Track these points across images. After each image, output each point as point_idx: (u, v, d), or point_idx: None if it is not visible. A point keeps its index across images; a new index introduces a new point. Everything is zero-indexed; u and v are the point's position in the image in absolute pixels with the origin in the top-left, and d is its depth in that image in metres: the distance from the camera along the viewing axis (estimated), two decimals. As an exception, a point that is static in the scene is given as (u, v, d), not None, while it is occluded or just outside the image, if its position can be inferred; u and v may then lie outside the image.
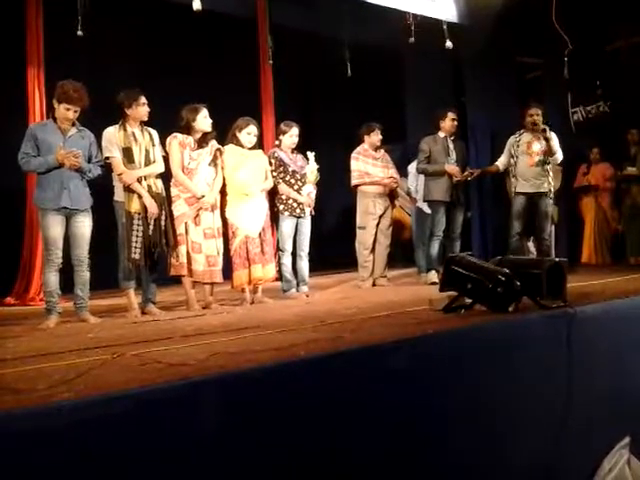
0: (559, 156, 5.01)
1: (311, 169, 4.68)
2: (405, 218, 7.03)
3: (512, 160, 5.12)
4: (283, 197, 4.64)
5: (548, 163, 4.99)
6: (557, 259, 3.19)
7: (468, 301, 2.93)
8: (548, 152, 4.95)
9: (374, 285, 5.23)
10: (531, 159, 5.02)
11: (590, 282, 4.01)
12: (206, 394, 1.67)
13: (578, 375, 2.74)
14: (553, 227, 5.87)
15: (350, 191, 5.41)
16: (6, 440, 1.40)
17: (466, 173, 5.23)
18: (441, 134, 5.33)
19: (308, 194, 4.68)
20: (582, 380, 2.74)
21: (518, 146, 5.09)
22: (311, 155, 4.69)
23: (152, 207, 3.85)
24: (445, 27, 6.16)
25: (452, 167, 5.21)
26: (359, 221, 5.28)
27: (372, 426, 2.01)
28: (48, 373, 1.92)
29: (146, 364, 1.98)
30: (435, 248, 5.25)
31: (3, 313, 4.70)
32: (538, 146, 4.99)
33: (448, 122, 5.31)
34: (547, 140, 4.92)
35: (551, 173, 5.03)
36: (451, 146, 5.31)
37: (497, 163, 5.31)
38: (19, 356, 2.37)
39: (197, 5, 4.63)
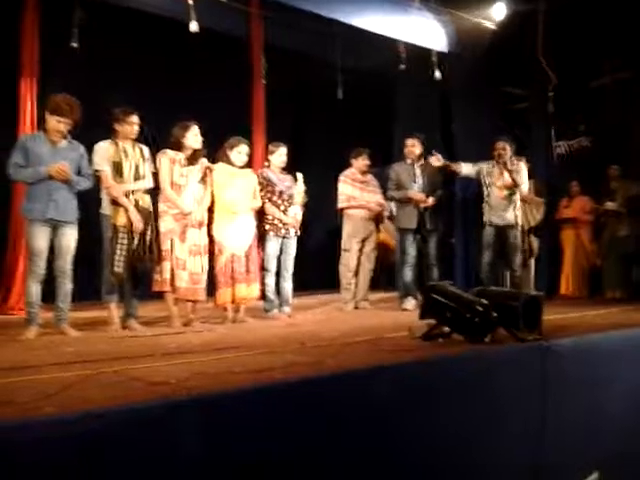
0: (524, 188, 5.15)
1: (298, 190, 4.74)
2: (390, 242, 7.11)
3: (484, 190, 5.28)
4: (269, 217, 4.68)
5: (513, 194, 5.12)
6: (533, 292, 3.26)
7: (447, 330, 2.99)
8: (513, 185, 5.09)
9: (356, 308, 5.28)
10: (500, 192, 5.16)
11: (566, 315, 4.10)
12: (185, 415, 1.70)
13: (551, 407, 2.80)
14: (533, 259, 6.00)
15: (337, 213, 5.49)
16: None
17: (430, 199, 5.16)
18: (408, 160, 5.33)
19: (294, 215, 4.73)
20: (555, 411, 2.80)
21: (490, 177, 5.24)
22: (300, 176, 4.76)
23: (137, 222, 3.87)
24: (434, 58, 6.29)
25: (415, 193, 5.19)
26: (344, 244, 5.34)
27: (347, 452, 2.04)
28: (28, 386, 1.93)
29: (127, 381, 2.00)
30: (407, 275, 5.27)
31: (-19, 321, 4.65)
32: (502, 180, 5.14)
33: (407, 149, 5.32)
34: (509, 172, 5.07)
35: (518, 205, 5.16)
36: (417, 172, 5.26)
37: (462, 165, 5.40)
38: (-2, 367, 2.37)
39: (194, 27, 4.72)
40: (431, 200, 5.19)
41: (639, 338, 3.41)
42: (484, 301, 2.91)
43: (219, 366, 2.32)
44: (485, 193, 5.27)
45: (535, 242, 6.00)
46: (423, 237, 5.26)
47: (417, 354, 2.59)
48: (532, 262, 5.99)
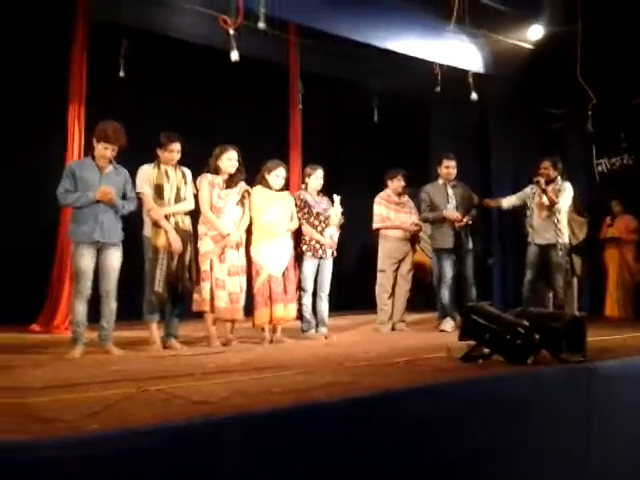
0: (560, 205, 5.06)
1: (335, 212, 4.78)
2: (427, 262, 7.06)
3: (528, 212, 5.23)
4: (306, 238, 4.73)
5: (552, 214, 5.05)
6: (576, 314, 3.19)
7: (486, 351, 2.95)
8: (550, 204, 5.02)
9: (393, 329, 5.25)
10: (540, 212, 5.12)
11: (611, 336, 3.98)
12: (227, 433, 1.72)
13: (597, 430, 2.72)
14: (576, 279, 5.86)
15: (372, 234, 5.50)
16: (34, 468, 1.46)
17: (466, 218, 5.18)
18: (440, 181, 5.38)
19: (331, 236, 4.77)
20: (601, 435, 2.72)
21: (533, 198, 5.20)
22: (337, 198, 4.81)
23: (176, 243, 3.97)
24: (471, 79, 6.29)
25: (450, 213, 5.21)
26: (380, 264, 5.34)
27: (387, 472, 2.03)
28: (75, 404, 2.00)
29: (169, 400, 2.04)
30: (445, 295, 5.24)
31: (28, 340, 4.81)
32: (545, 199, 5.07)
33: (443, 169, 5.35)
34: (544, 192, 5.02)
35: (561, 224, 5.07)
36: (450, 192, 5.30)
37: (503, 200, 5.42)
38: (46, 385, 2.45)
39: (235, 57, 4.86)
40: (466, 219, 5.19)
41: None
42: (526, 322, 2.87)
43: (258, 385, 2.34)
44: (528, 214, 5.25)
45: (578, 261, 5.86)
46: (460, 257, 5.24)
47: (456, 374, 2.56)
48: (575, 282, 5.84)
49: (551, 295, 5.35)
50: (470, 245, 5.27)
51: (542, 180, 5.09)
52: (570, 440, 2.63)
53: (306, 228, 4.71)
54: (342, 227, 4.91)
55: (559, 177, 5.19)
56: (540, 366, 2.77)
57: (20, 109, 5.70)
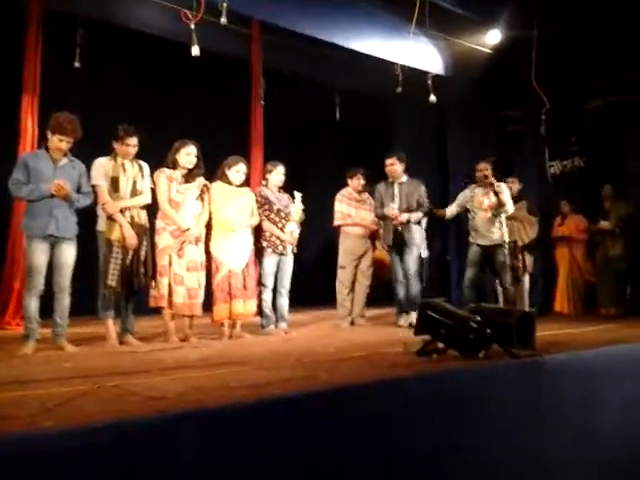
0: (509, 207, 5.16)
1: (296, 209, 4.80)
2: (386, 258, 7.15)
3: (469, 214, 5.33)
4: (267, 234, 4.73)
5: (498, 215, 5.15)
6: (527, 309, 3.31)
7: (441, 346, 3.02)
8: (498, 205, 5.12)
9: (352, 324, 5.31)
10: (484, 213, 5.19)
11: (560, 331, 4.14)
12: (183, 429, 1.72)
13: (550, 423, 2.82)
14: (527, 276, 6.05)
15: (333, 231, 5.55)
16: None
17: (403, 217, 5.16)
18: (389, 179, 5.38)
19: (291, 232, 4.78)
20: (553, 428, 2.82)
21: (473, 200, 5.28)
22: (298, 195, 4.82)
23: (131, 238, 3.91)
24: (430, 81, 6.39)
25: (388, 210, 5.21)
26: (340, 260, 5.40)
27: (344, 467, 2.06)
28: (28, 401, 1.96)
29: (125, 396, 2.02)
30: (399, 292, 5.33)
31: (-22, 336, 4.66)
32: (487, 201, 5.18)
33: (387, 168, 5.31)
34: (496, 194, 5.11)
35: (504, 225, 5.18)
36: (396, 190, 5.28)
37: (446, 210, 5.51)
38: (-3, 382, 2.39)
39: (196, 51, 4.82)
40: (403, 218, 5.17)
41: (631, 353, 3.44)
42: (478, 318, 2.95)
43: (215, 381, 2.34)
44: (470, 217, 5.32)
45: (529, 259, 6.05)
46: (401, 254, 5.27)
47: (411, 369, 2.62)
48: (526, 279, 6.03)
49: (501, 292, 5.50)
50: (412, 242, 5.24)
51: (494, 180, 5.14)
52: (524, 434, 2.72)
53: (266, 224, 4.72)
54: (303, 224, 4.93)
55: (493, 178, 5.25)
56: (491, 360, 2.86)
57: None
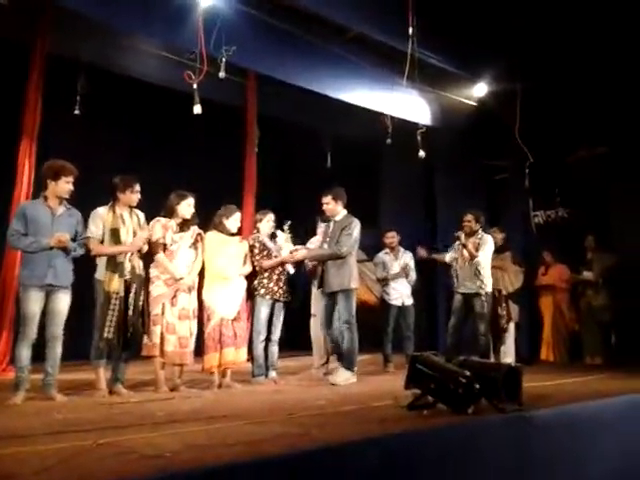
0: (480, 259, 5.31)
1: (285, 237, 4.85)
2: (372, 300, 7.09)
3: (454, 263, 5.52)
4: (265, 281, 4.74)
5: (477, 265, 5.30)
6: (513, 364, 3.37)
7: (431, 400, 3.07)
8: (470, 257, 5.32)
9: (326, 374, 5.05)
10: (464, 263, 5.40)
11: (546, 383, 4.19)
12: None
13: (537, 475, 2.86)
14: (513, 324, 6.14)
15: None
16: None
17: (297, 254, 4.81)
18: (326, 219, 5.06)
19: (290, 252, 4.81)
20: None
21: (457, 249, 5.49)
22: (280, 233, 4.86)
23: (137, 240, 3.99)
24: (419, 137, 6.60)
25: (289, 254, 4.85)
26: (313, 309, 5.47)
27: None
28: (27, 458, 1.98)
29: (122, 454, 2.05)
30: (383, 340, 5.53)
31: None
32: (466, 252, 5.37)
33: (324, 206, 4.93)
34: (464, 246, 5.33)
35: (483, 275, 5.31)
36: (329, 230, 4.91)
37: (446, 255, 5.68)
38: (-9, 436, 2.40)
39: (197, 110, 4.94)
40: (299, 255, 4.84)
41: (616, 407, 3.51)
42: (467, 373, 3.01)
43: (211, 437, 2.37)
44: (454, 265, 5.52)
45: (515, 309, 6.15)
46: (334, 299, 4.77)
47: (401, 425, 2.66)
48: (512, 327, 6.12)
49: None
50: (329, 286, 4.72)
51: (462, 235, 5.38)
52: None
53: (267, 262, 4.74)
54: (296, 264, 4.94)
55: (480, 230, 5.46)
56: (479, 416, 2.91)
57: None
